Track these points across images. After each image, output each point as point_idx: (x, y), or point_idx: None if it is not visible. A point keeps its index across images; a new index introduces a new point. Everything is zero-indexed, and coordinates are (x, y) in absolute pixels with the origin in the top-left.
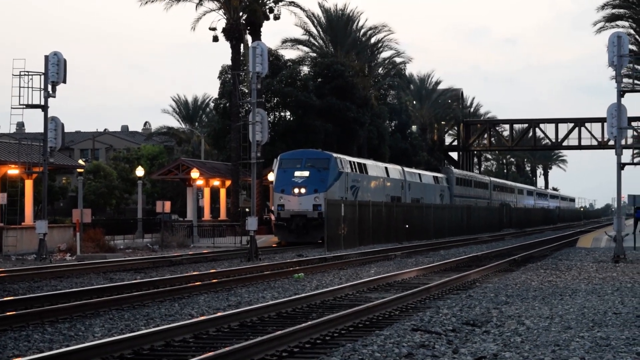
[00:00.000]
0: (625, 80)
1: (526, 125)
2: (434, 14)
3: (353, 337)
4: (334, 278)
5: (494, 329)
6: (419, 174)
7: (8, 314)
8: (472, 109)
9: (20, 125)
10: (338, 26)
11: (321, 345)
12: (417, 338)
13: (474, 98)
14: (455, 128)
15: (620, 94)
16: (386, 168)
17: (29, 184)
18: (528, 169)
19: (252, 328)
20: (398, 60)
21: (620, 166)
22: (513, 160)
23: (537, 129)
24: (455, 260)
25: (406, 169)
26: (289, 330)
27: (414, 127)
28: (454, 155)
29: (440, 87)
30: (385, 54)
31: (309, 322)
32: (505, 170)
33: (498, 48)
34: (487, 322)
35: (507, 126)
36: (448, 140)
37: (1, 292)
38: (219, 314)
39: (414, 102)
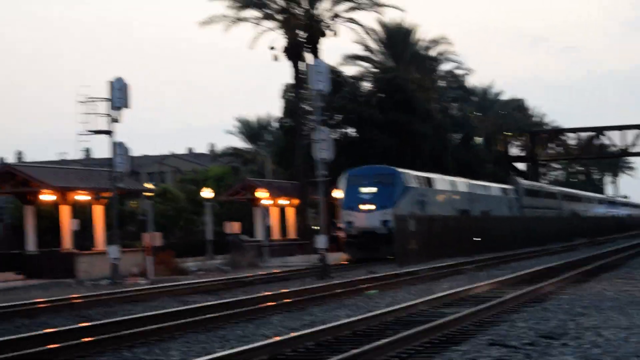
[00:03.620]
0: None
1: (592, 132)
2: (492, 25)
3: (429, 353)
4: (407, 294)
5: (571, 341)
6: (487, 187)
7: (84, 340)
8: (535, 119)
9: (87, 151)
10: (397, 41)
11: None
12: (495, 353)
13: (536, 107)
14: (521, 138)
15: None
16: (453, 181)
17: (98, 210)
18: (596, 177)
19: (328, 347)
20: (458, 72)
21: None
22: (581, 168)
23: (602, 137)
24: (528, 273)
25: (473, 181)
26: (365, 349)
27: (478, 139)
28: (521, 166)
29: (502, 97)
30: (445, 66)
31: (384, 340)
32: (574, 179)
33: (559, 56)
34: (565, 335)
35: (573, 135)
36: (513, 150)
37: (77, 318)
38: (293, 334)
39: (477, 114)
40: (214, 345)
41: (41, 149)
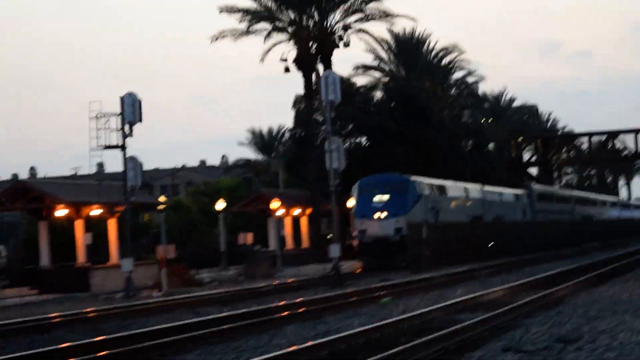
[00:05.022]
0: None
1: (604, 137)
2: (504, 31)
3: None
4: (420, 301)
5: (586, 345)
6: (499, 192)
7: (99, 355)
8: (548, 124)
9: (100, 165)
10: (408, 50)
11: None
12: (509, 358)
13: (549, 113)
14: (534, 144)
15: None
16: (466, 188)
17: (112, 223)
18: (609, 180)
19: (342, 356)
20: (470, 79)
21: None
22: (594, 172)
23: (615, 140)
24: (542, 277)
25: (486, 187)
26: (378, 357)
27: (490, 145)
28: (534, 171)
29: (515, 104)
30: (457, 75)
31: (399, 348)
32: (587, 183)
33: (572, 61)
34: (579, 339)
35: (585, 139)
36: (526, 156)
37: (92, 332)
38: (308, 343)
39: (489, 121)
40: (228, 357)
41: (54, 164)
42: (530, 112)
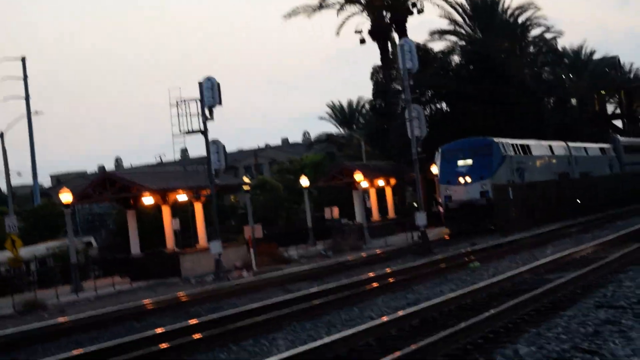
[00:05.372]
0: None
1: None
2: None
3: (536, 321)
4: (510, 263)
5: None
6: (585, 148)
7: (195, 337)
8: (631, 75)
9: (184, 151)
10: (483, 11)
11: (505, 334)
12: (602, 315)
13: (632, 64)
14: (617, 96)
15: None
16: (550, 146)
17: (198, 207)
18: None
19: (434, 323)
20: (548, 35)
21: None
22: None
23: None
24: (632, 231)
25: (571, 143)
26: (470, 323)
27: (573, 101)
28: (618, 123)
29: (595, 57)
30: (534, 32)
31: (490, 312)
32: None
33: None
34: None
35: None
36: (610, 109)
37: (185, 316)
38: (399, 313)
39: (570, 76)
40: (320, 332)
41: (139, 154)
42: (612, 64)
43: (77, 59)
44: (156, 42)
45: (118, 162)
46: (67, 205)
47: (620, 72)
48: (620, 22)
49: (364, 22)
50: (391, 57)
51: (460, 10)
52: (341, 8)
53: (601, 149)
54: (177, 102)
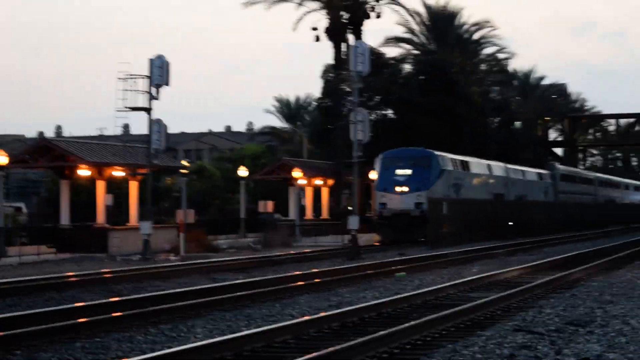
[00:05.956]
0: None
1: (633, 119)
2: (537, 7)
3: (454, 337)
4: (436, 277)
5: (598, 329)
6: (523, 171)
7: (113, 315)
8: (577, 104)
9: (126, 127)
10: (440, 23)
11: (422, 346)
12: (520, 339)
13: (580, 94)
14: (560, 124)
15: None
16: (489, 165)
17: (133, 186)
18: (635, 164)
19: (353, 329)
20: (501, 56)
21: None
22: (619, 155)
23: None
24: (559, 258)
25: (509, 165)
26: (390, 331)
27: (517, 123)
28: (559, 151)
29: (544, 82)
30: (488, 50)
31: (410, 323)
32: (612, 166)
33: (605, 41)
34: (591, 322)
35: (613, 121)
36: (552, 136)
37: (106, 292)
38: (320, 314)
39: (518, 98)
40: (240, 324)
41: (81, 124)
42: (560, 91)
43: (29, 22)
44: (113, 17)
45: (58, 130)
46: (1, 167)
47: (567, 100)
48: (573, 51)
49: (321, 19)
50: (344, 57)
51: (417, 19)
52: (300, 3)
53: (539, 175)
54: (124, 77)
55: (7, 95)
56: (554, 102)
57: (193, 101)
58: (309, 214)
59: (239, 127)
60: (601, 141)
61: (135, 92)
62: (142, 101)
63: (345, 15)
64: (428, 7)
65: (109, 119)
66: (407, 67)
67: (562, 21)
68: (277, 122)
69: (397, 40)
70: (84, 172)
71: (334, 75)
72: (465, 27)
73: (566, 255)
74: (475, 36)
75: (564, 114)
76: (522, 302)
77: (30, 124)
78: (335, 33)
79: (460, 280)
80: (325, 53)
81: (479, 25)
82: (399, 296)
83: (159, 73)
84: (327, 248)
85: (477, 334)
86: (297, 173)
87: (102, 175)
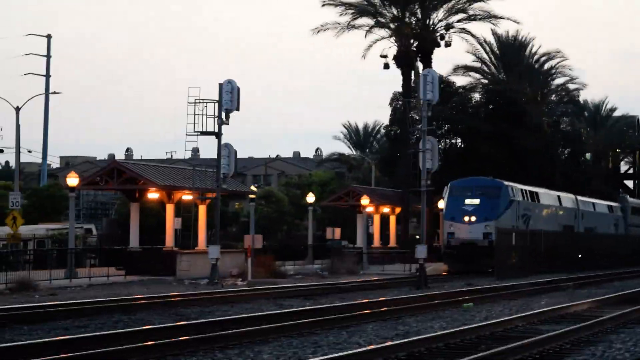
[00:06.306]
0: None
1: None
2: (610, 39)
3: None
4: (504, 308)
5: None
6: (593, 203)
7: (180, 339)
8: None
9: (195, 151)
10: (510, 53)
11: None
12: None
13: None
14: (631, 156)
15: None
16: (559, 196)
17: (202, 210)
18: None
19: (420, 358)
20: (571, 86)
21: None
22: None
23: None
24: (630, 292)
25: (579, 197)
26: None
27: (587, 155)
28: (629, 183)
29: (615, 114)
30: (558, 81)
31: (478, 354)
32: None
33: None
34: None
35: None
36: (623, 168)
37: (174, 316)
38: (386, 343)
39: (588, 129)
40: (306, 351)
41: (150, 147)
42: (631, 123)
43: (104, 48)
44: (184, 41)
45: (128, 152)
46: (72, 189)
47: (638, 133)
48: None
49: (390, 47)
50: (412, 85)
51: (487, 48)
52: (369, 30)
53: (609, 207)
54: (195, 101)
55: (78, 117)
56: (625, 134)
57: (262, 125)
58: (376, 241)
59: (307, 153)
60: None
61: (205, 116)
62: (211, 125)
63: (414, 43)
64: (498, 37)
65: (179, 143)
66: (476, 97)
67: (635, 53)
68: (345, 149)
69: (466, 69)
70: (153, 195)
71: (403, 102)
72: (536, 57)
73: (637, 289)
74: (546, 66)
75: (635, 147)
76: (591, 336)
77: (100, 146)
78: (404, 61)
79: (529, 313)
80: (394, 81)
81: (549, 55)
82: (466, 327)
83: (228, 98)
84: (394, 276)
85: None
86: (365, 200)
87: (172, 199)
